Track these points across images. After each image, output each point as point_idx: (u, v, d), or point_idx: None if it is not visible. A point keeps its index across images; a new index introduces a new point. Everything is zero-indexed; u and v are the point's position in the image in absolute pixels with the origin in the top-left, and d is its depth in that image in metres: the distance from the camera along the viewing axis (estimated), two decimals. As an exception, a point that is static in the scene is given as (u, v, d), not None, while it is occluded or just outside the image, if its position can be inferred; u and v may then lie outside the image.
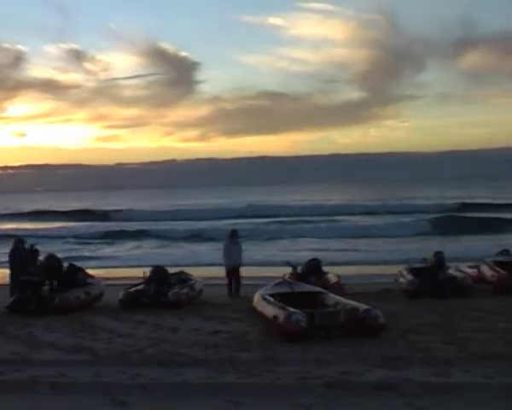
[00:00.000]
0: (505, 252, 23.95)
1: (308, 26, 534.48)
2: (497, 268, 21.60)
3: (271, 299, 15.68)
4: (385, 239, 44.07)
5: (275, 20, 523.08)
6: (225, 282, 22.17)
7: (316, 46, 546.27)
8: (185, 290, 19.85)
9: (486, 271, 21.93)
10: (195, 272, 23.43)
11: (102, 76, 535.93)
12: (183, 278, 21.32)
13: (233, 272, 22.00)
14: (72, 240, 49.89)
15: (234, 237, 22.51)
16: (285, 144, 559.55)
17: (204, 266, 30.68)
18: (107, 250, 44.34)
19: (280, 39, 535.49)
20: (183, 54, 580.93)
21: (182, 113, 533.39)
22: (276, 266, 28.45)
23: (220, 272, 23.57)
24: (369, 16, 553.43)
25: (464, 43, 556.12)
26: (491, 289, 20.91)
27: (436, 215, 55.51)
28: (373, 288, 21.80)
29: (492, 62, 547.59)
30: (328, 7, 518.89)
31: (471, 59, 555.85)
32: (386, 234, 46.81)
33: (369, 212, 69.58)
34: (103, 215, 74.51)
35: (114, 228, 55.48)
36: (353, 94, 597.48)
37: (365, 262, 32.72)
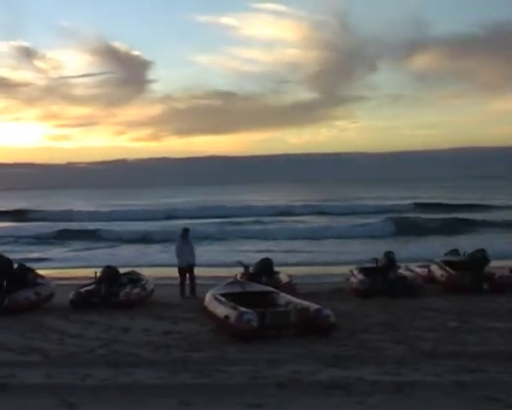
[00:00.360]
0: (454, 252, 24.26)
1: (260, 27, 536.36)
2: (447, 268, 21.86)
3: (223, 299, 15.64)
4: (338, 240, 43.98)
5: (227, 20, 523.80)
6: (177, 282, 22.07)
7: (268, 46, 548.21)
8: (136, 290, 19.73)
9: (436, 270, 22.19)
10: (146, 273, 23.30)
11: (53, 74, 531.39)
12: (134, 278, 21.19)
13: (187, 272, 21.90)
14: (20, 240, 49.13)
15: (185, 236, 22.42)
16: (237, 144, 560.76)
17: (155, 267, 30.52)
18: (56, 251, 43.72)
19: (232, 39, 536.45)
20: (135, 53, 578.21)
21: (134, 112, 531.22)
22: (227, 266, 28.38)
23: (171, 272, 23.49)
24: (320, 17, 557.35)
25: (415, 45, 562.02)
26: (441, 289, 21.17)
27: (389, 216, 55.80)
28: (324, 288, 21.92)
29: (442, 64, 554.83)
30: (280, 7, 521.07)
31: (421, 61, 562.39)
32: (339, 235, 46.70)
33: (321, 212, 69.82)
34: (51, 215, 73.46)
35: (63, 228, 54.71)
36: (305, 94, 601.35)
37: (317, 263, 32.74)
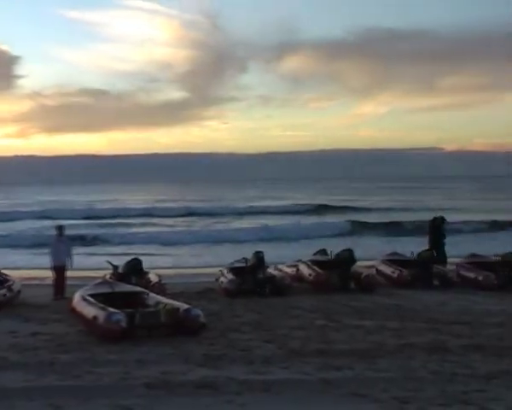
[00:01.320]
0: (322, 251, 24.75)
1: (131, 24, 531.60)
2: (315, 267, 22.27)
3: (91, 299, 15.41)
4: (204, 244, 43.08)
5: (97, 17, 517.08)
6: (45, 282, 21.53)
7: (138, 44, 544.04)
8: (2, 292, 19.16)
9: (304, 270, 22.57)
10: (13, 273, 22.64)
11: None
12: (0, 279, 20.58)
13: (61, 271, 21.26)
14: None
15: (60, 233, 21.80)
16: (107, 143, 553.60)
17: (23, 269, 29.70)
18: None
19: (102, 36, 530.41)
20: (3, 47, 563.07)
21: (0, 108, 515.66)
22: (96, 268, 27.90)
23: (39, 272, 22.95)
24: (192, 17, 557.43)
25: (285, 48, 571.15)
26: (309, 288, 21.54)
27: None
28: (194, 288, 21.88)
29: (312, 67, 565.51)
30: (152, 5, 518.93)
31: (292, 63, 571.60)
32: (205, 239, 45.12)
33: (191, 213, 69.53)
34: None
35: None
36: (175, 94, 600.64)
37: (187, 266, 32.50)
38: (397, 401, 9.33)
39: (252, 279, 20.89)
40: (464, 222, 51.54)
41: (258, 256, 21.48)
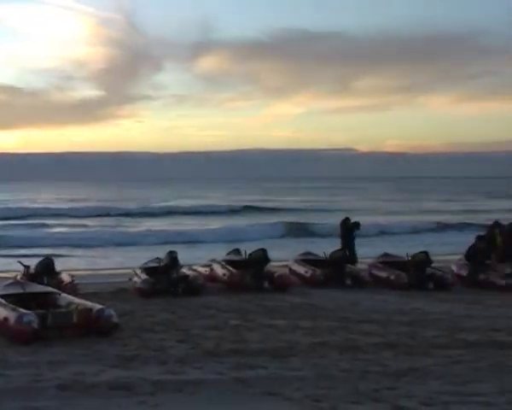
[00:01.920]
0: (236, 251, 24.77)
1: (46, 21, 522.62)
2: (229, 267, 22.31)
3: (1, 300, 15.09)
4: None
5: (11, 12, 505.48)
6: None
7: (53, 42, 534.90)
8: None
9: (218, 269, 22.58)
10: None
11: None
12: None
13: None
14: None
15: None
16: (19, 140, 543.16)
17: None
18: None
19: (16, 32, 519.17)
20: None
21: None
22: (6, 269, 27.33)
23: None
24: (108, 15, 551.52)
25: (201, 47, 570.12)
26: (223, 288, 21.58)
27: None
28: (108, 288, 21.65)
29: (228, 67, 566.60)
30: (68, 3, 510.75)
31: (207, 63, 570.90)
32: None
33: (104, 214, 68.31)
34: None
35: None
36: (90, 92, 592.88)
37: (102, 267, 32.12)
38: (309, 399, 9.42)
39: (165, 279, 20.79)
40: (376, 224, 52.36)
41: (172, 256, 21.39)
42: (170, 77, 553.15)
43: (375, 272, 23.87)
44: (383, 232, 48.74)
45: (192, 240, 43.65)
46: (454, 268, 24.52)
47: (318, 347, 12.97)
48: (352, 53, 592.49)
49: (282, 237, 48.14)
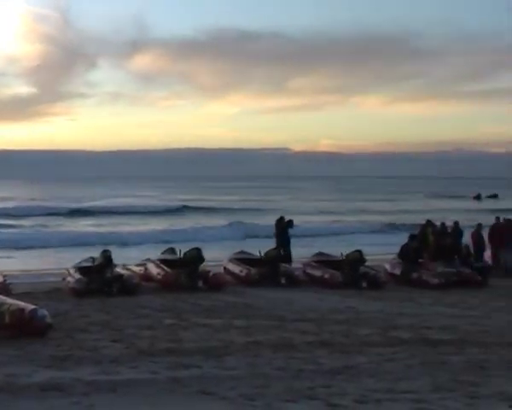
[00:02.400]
0: (170, 250, 24.73)
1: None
2: (163, 266, 22.25)
3: None
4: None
5: None
6: None
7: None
8: None
9: (153, 269, 22.51)
10: None
11: None
12: None
13: None
14: None
15: None
16: None
17: None
18: None
19: None
20: None
21: None
22: None
23: None
24: (42, 10, 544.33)
25: (136, 45, 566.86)
26: (158, 287, 21.50)
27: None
28: (41, 288, 21.40)
29: (163, 65, 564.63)
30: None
31: (142, 61, 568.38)
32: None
33: (37, 213, 66.68)
34: None
35: None
36: (23, 89, 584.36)
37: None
38: (244, 398, 9.45)
39: (99, 279, 20.62)
40: (310, 222, 52.70)
41: (106, 255, 21.22)
42: (104, 75, 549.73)
43: (309, 271, 24.06)
44: (317, 232, 48.78)
45: (125, 241, 42.87)
46: (387, 267, 24.91)
47: (253, 346, 13.02)
48: (287, 53, 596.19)
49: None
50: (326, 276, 23.12)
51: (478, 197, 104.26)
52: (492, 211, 48.19)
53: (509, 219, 28.51)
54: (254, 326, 15.19)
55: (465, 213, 60.28)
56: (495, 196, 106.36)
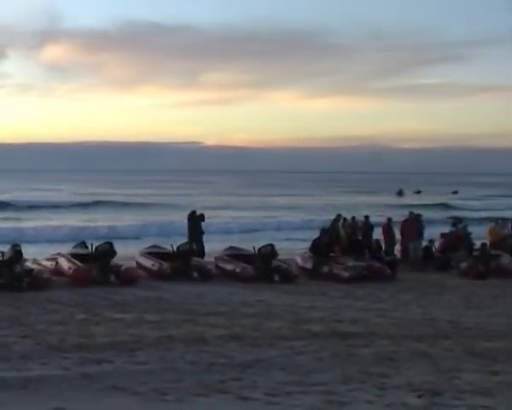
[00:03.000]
0: (82, 244, 24.46)
1: None
2: (75, 260, 22.02)
3: None
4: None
5: None
6: None
7: None
8: None
9: (64, 263, 22.25)
10: None
11: None
12: None
13: None
14: None
15: None
16: None
17: None
18: None
19: None
20: None
21: None
22: None
23: None
24: None
25: (47, 36, 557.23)
26: (69, 282, 21.25)
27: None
28: None
29: (75, 57, 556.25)
30: None
31: (54, 52, 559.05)
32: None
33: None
34: None
35: None
36: None
37: None
38: (156, 392, 9.46)
39: (9, 273, 20.25)
40: (223, 217, 52.78)
41: (16, 249, 20.87)
42: (14, 65, 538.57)
43: (221, 264, 24.14)
44: (230, 228, 48.66)
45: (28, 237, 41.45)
46: (299, 261, 25.16)
47: (165, 340, 13.03)
48: (201, 47, 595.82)
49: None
50: (238, 270, 23.24)
51: (400, 193, 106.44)
52: (411, 206, 48.87)
53: (418, 214, 29.18)
54: (166, 320, 15.21)
55: (386, 209, 61.08)
56: (419, 192, 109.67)
